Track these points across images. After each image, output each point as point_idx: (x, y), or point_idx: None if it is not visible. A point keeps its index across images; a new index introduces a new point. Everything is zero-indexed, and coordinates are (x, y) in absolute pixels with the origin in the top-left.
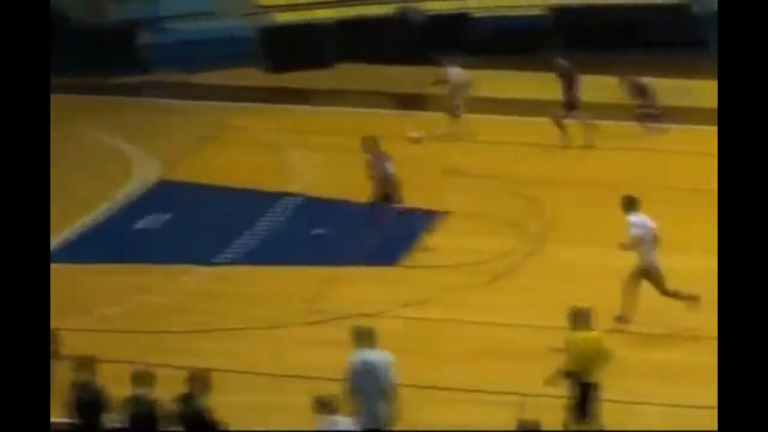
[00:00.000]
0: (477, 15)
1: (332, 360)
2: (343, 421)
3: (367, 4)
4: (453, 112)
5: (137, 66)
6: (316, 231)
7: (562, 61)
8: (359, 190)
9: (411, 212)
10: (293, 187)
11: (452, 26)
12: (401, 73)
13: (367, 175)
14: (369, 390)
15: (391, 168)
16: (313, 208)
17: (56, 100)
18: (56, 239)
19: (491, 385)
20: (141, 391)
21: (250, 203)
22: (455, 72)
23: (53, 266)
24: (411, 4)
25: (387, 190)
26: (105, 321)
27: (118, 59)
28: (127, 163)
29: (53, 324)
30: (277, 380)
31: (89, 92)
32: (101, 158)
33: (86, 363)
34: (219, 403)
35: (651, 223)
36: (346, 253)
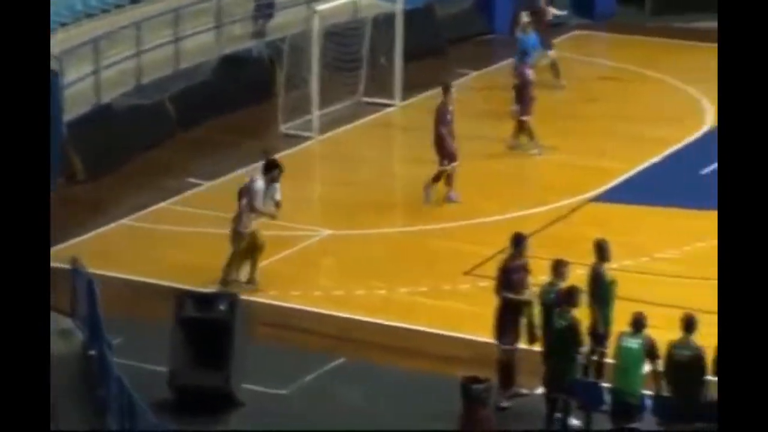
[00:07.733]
0: None
1: None
2: None
3: None
4: None
5: None
6: None
7: None
8: None
9: None
10: None
11: None
12: None
13: None
14: None
15: None
16: None
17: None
18: (616, 180)
19: None
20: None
21: None
22: None
23: (605, 206)
24: None
25: None
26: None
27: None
28: (699, 110)
29: None
30: None
31: (673, 36)
32: (676, 103)
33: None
34: None
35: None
36: None
